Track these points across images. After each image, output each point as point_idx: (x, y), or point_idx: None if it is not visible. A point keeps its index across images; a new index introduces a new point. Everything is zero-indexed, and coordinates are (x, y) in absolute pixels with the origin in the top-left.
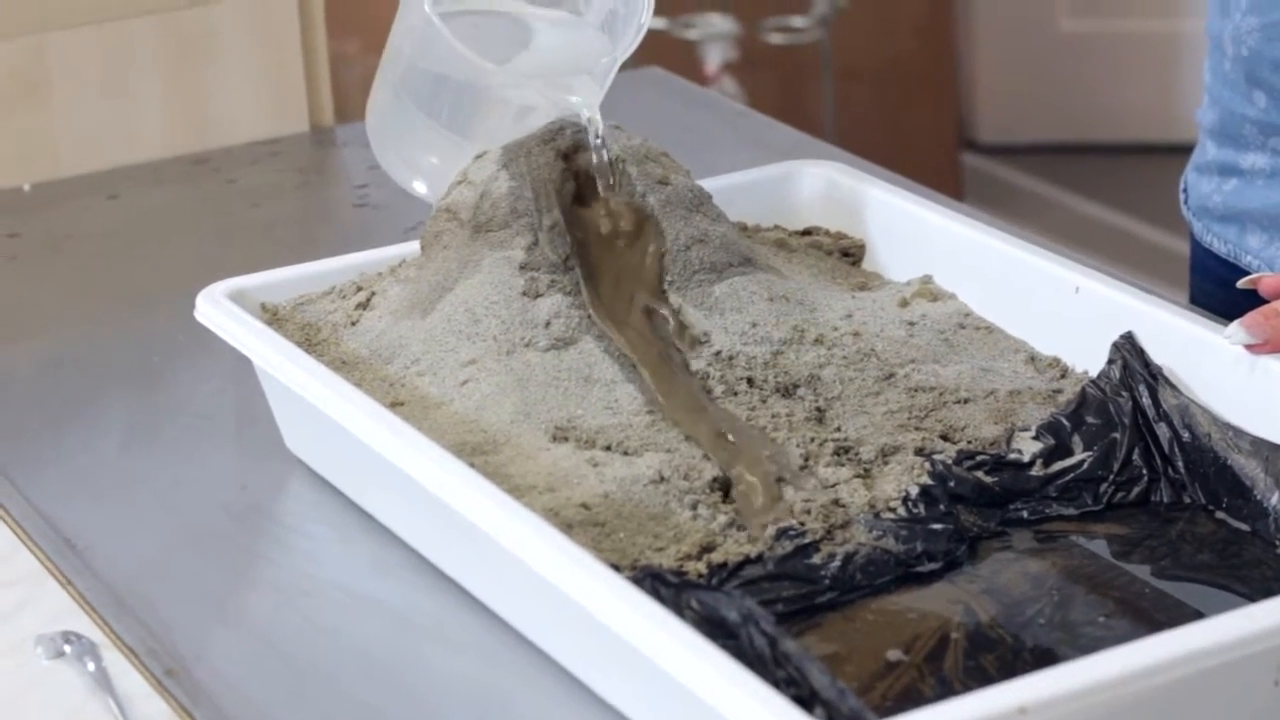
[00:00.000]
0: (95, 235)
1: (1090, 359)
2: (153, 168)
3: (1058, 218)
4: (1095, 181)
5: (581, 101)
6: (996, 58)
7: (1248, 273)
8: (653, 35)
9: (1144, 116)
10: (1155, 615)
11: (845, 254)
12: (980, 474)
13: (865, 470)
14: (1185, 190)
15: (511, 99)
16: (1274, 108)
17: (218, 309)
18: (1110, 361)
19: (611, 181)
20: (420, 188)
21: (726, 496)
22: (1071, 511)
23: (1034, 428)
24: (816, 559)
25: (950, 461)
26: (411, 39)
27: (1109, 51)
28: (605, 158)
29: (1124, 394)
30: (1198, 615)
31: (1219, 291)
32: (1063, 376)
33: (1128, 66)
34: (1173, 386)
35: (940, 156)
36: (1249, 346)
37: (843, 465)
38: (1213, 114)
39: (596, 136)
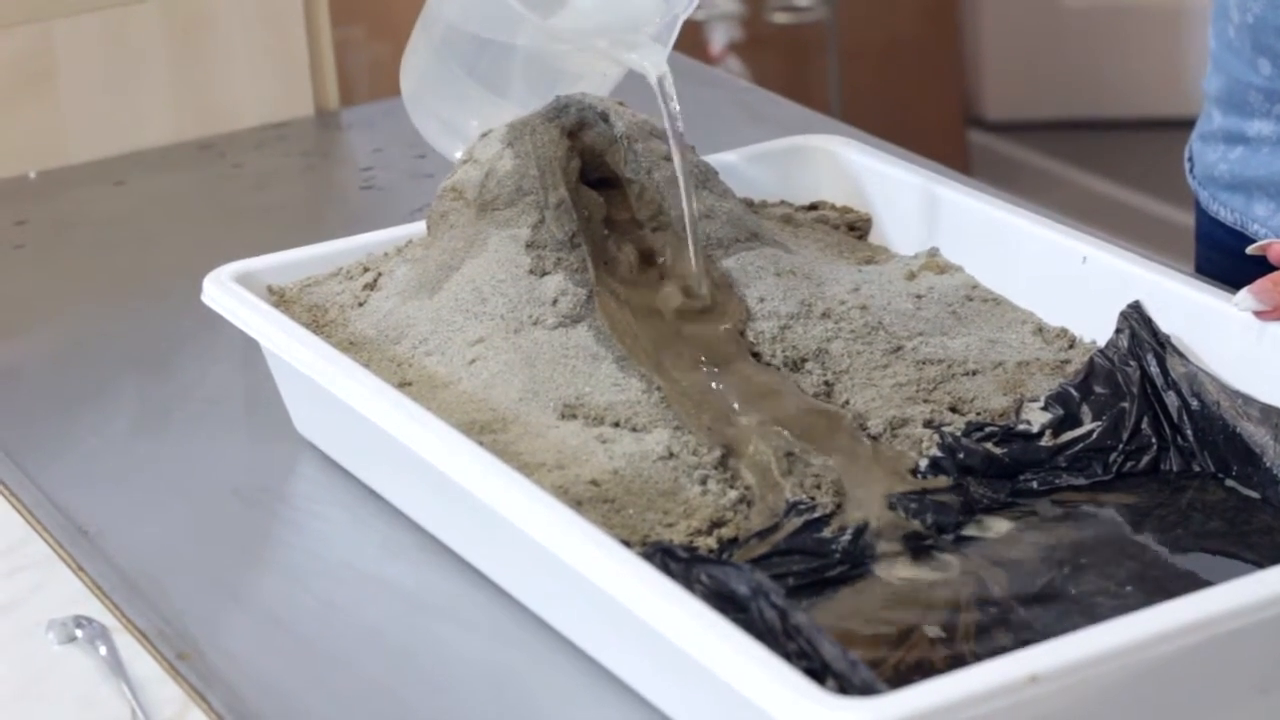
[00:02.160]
0: (102, 222)
1: (1098, 329)
2: (159, 153)
3: (1066, 194)
4: (1103, 157)
5: (647, 62)
6: (1002, 34)
7: (1254, 241)
8: None
9: (1150, 91)
10: (1165, 583)
11: (852, 228)
12: (989, 445)
13: (874, 443)
14: (1190, 159)
15: (569, 63)
16: (1279, 75)
17: (225, 292)
18: (1118, 331)
19: (624, 159)
20: (459, 154)
21: (736, 472)
22: (1081, 481)
23: (1043, 398)
24: (827, 532)
25: (959, 433)
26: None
27: (1114, 26)
28: (676, 116)
29: (1132, 363)
30: (1208, 583)
31: (1225, 261)
32: (1071, 347)
33: (1133, 41)
34: (1181, 355)
35: (947, 134)
36: (1258, 313)
37: None
38: (1217, 81)
39: (668, 98)
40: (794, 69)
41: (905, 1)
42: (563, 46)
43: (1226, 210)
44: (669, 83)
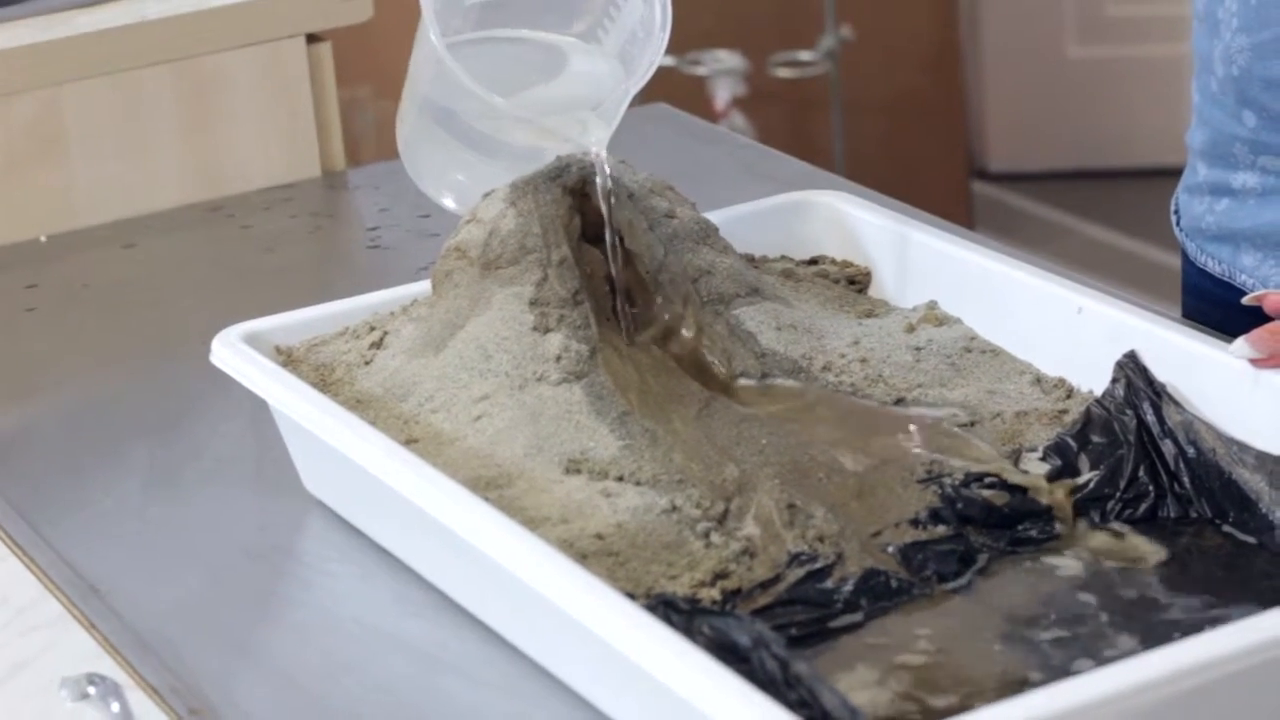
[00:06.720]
0: (112, 284)
1: (1095, 378)
2: (168, 216)
3: (1071, 244)
4: (1107, 207)
5: (591, 138)
6: (1004, 86)
7: (1242, 292)
8: (661, 72)
9: (1154, 141)
10: (1163, 628)
11: (851, 282)
12: (988, 495)
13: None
14: (1177, 212)
15: (517, 138)
16: (1263, 127)
17: (233, 352)
18: (1114, 380)
19: (613, 222)
20: (449, 203)
21: (739, 524)
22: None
23: (1041, 448)
24: (829, 583)
25: (958, 483)
26: (428, 68)
27: (1117, 78)
28: (611, 197)
29: (1128, 412)
30: (1207, 626)
31: (1213, 311)
32: (1068, 397)
33: (1136, 92)
34: (1176, 403)
35: (951, 186)
36: (1253, 361)
37: None
38: (1202, 134)
39: (607, 176)
40: (798, 123)
41: (908, 55)
42: (517, 131)
43: (1214, 261)
44: (604, 163)
